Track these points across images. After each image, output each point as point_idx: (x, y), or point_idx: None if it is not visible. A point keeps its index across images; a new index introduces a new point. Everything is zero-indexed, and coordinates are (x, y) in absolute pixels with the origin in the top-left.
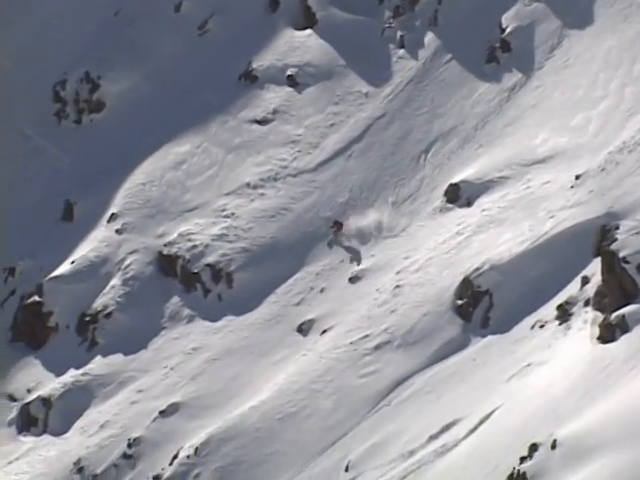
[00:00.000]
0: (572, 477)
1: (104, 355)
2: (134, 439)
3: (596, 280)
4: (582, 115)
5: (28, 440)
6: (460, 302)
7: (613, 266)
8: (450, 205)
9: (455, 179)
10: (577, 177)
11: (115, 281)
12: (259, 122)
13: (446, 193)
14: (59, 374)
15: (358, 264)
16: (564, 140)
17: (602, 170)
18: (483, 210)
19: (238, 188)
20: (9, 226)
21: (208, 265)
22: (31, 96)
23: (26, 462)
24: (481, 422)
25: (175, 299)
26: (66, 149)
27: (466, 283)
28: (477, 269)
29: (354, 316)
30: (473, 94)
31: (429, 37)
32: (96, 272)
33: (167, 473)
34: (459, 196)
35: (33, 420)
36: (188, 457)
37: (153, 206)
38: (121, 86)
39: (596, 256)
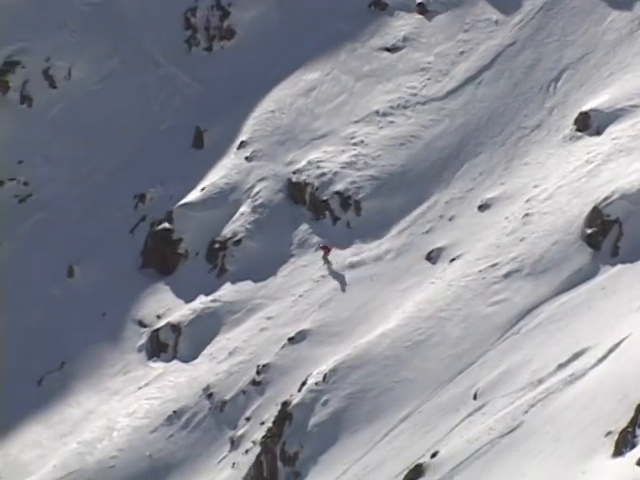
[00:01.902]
0: None
1: (233, 282)
2: (263, 366)
3: None
4: None
5: (158, 366)
6: (589, 231)
7: None
8: (580, 133)
9: (585, 107)
10: None
11: (244, 208)
12: (389, 50)
13: (576, 121)
14: (188, 300)
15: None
16: None
17: None
18: (613, 139)
19: (367, 116)
20: (139, 153)
21: (337, 193)
22: (162, 24)
23: (156, 387)
24: (610, 351)
25: (304, 226)
26: (196, 76)
27: (595, 212)
28: (607, 198)
29: (483, 244)
30: (604, 22)
31: None
32: (225, 199)
33: (296, 400)
34: (589, 125)
35: (163, 346)
36: (316, 384)
37: (282, 133)
38: (251, 13)
39: None
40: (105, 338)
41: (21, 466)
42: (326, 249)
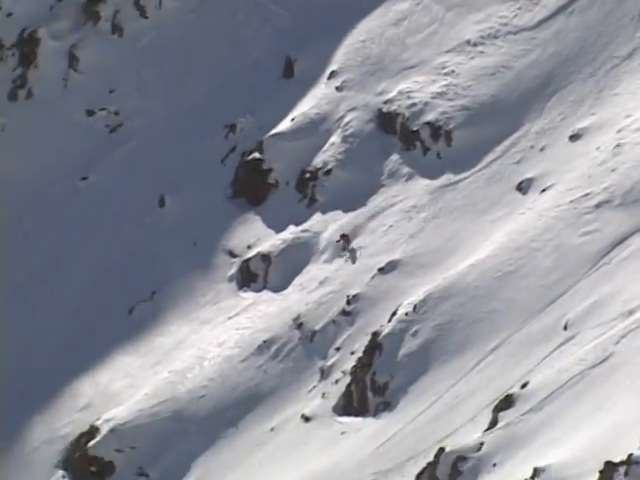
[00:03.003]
0: None
1: (323, 212)
2: (353, 296)
3: None
4: None
5: (248, 296)
6: None
7: None
8: None
9: None
10: None
11: (335, 138)
12: None
13: None
14: (279, 230)
15: None
16: None
17: None
18: None
19: (458, 45)
20: (230, 83)
21: (427, 123)
22: None
23: (246, 317)
24: None
25: (394, 157)
26: (287, 6)
27: None
28: None
29: (574, 175)
30: None
31: None
32: (316, 129)
33: (385, 330)
34: None
35: (253, 276)
36: (406, 314)
37: (373, 63)
38: None
39: None
40: (196, 268)
41: (111, 395)
42: (346, 237)
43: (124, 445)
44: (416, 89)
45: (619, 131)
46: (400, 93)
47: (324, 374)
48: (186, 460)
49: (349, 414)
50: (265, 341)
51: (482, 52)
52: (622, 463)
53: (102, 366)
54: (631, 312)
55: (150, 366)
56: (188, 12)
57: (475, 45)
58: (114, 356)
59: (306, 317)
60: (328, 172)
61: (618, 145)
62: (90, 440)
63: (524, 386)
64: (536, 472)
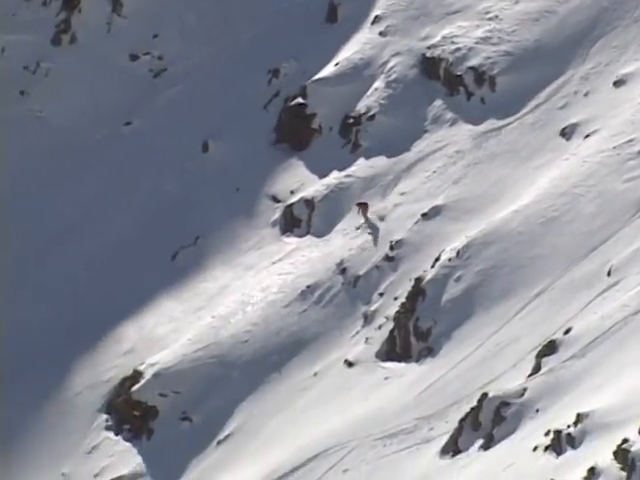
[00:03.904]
0: None
1: (367, 157)
2: (396, 241)
3: None
4: None
5: (291, 241)
6: None
7: None
8: None
9: None
10: None
11: (378, 83)
12: None
13: None
14: (322, 176)
15: None
16: None
17: None
18: None
19: None
20: (273, 27)
21: (471, 68)
22: None
23: (289, 263)
24: None
25: (438, 102)
26: None
27: None
28: None
29: (618, 120)
30: None
31: None
32: (359, 74)
33: (429, 275)
34: None
35: (296, 221)
36: (450, 260)
37: (417, 8)
38: None
39: None
40: (239, 213)
41: (155, 340)
42: (364, 205)
43: (167, 390)
44: (460, 34)
45: None
46: (444, 38)
47: (367, 319)
48: (229, 405)
49: (392, 359)
50: (308, 286)
51: None
52: None
53: (146, 311)
54: None
55: (193, 311)
56: None
57: None
58: (158, 301)
59: (349, 262)
60: (371, 117)
61: None
62: (134, 385)
63: (567, 332)
64: (579, 418)
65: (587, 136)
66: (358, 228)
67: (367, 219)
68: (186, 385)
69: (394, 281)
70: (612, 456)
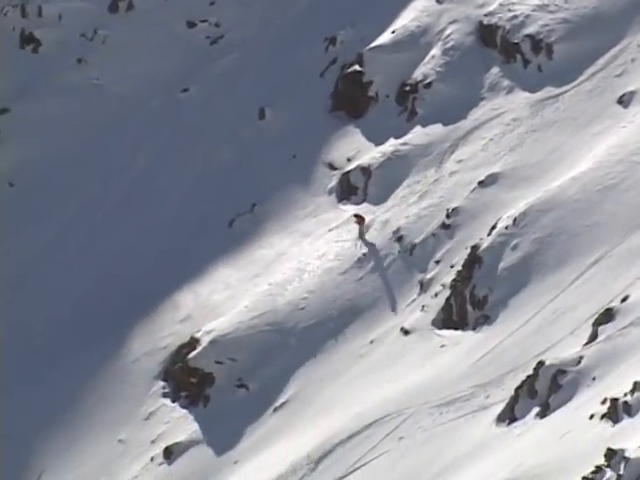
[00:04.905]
0: None
1: (423, 125)
2: (453, 209)
3: None
4: None
5: (348, 208)
6: None
7: None
8: None
9: None
10: None
11: (435, 51)
12: None
13: None
14: (379, 143)
15: None
16: None
17: None
18: None
19: None
20: None
21: (528, 36)
22: None
23: (346, 230)
24: None
25: (495, 70)
26: None
27: None
28: None
29: None
30: None
31: None
32: (416, 42)
33: (485, 243)
34: None
35: (353, 189)
36: (506, 228)
37: None
38: None
39: None
40: (295, 180)
41: (212, 307)
42: (360, 218)
43: (224, 357)
44: (517, 1)
45: None
46: (501, 5)
47: (423, 287)
48: (285, 372)
49: (448, 327)
50: (365, 254)
51: None
52: None
53: (202, 278)
54: None
55: (250, 278)
56: None
57: None
58: (214, 268)
59: (406, 230)
60: (428, 85)
61: None
62: (190, 352)
63: (624, 300)
64: (636, 386)
65: None
66: (357, 243)
67: (362, 233)
68: (242, 352)
69: (450, 249)
70: None
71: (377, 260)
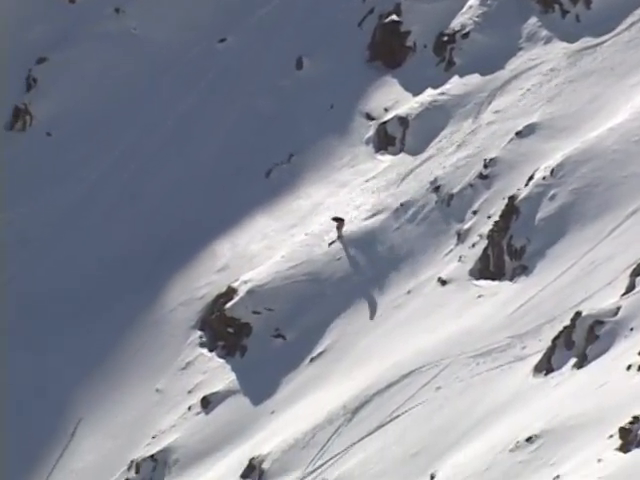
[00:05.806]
0: None
1: (461, 75)
2: (490, 160)
3: None
4: None
5: (385, 159)
6: None
7: None
8: None
9: None
10: None
11: (473, 1)
12: None
13: None
14: (416, 93)
15: None
16: None
17: None
18: None
19: None
20: None
21: None
22: None
23: (384, 180)
24: None
25: (533, 20)
26: None
27: None
28: None
29: None
30: None
31: None
32: None
33: (523, 194)
34: None
35: (390, 139)
36: (544, 178)
37: None
38: None
39: None
40: (333, 130)
41: (249, 257)
42: (340, 221)
43: (261, 307)
44: None
45: None
46: None
47: (461, 238)
48: (322, 322)
49: (485, 278)
50: (402, 204)
51: None
52: None
53: (240, 228)
54: None
55: (287, 228)
56: None
57: None
58: (252, 218)
59: (443, 180)
60: (466, 35)
61: None
62: (227, 301)
63: None
64: None
65: None
66: (331, 244)
67: (341, 236)
68: (279, 302)
69: (488, 199)
70: None
71: (414, 210)
